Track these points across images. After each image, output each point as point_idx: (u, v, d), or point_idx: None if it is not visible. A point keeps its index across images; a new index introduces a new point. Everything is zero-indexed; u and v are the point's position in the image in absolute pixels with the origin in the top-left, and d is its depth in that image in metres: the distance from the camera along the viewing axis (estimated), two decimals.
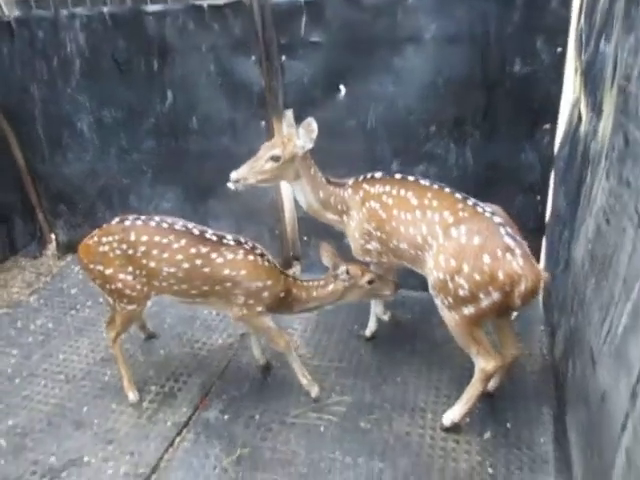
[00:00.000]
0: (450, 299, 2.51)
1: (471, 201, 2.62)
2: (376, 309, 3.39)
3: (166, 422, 3.00)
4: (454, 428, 2.79)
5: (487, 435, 2.78)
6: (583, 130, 2.81)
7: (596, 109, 2.54)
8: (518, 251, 2.39)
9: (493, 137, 3.35)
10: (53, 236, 4.86)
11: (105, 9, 3.69)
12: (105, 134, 4.15)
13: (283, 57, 3.48)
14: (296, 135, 2.79)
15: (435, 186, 2.73)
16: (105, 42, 3.79)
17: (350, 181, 2.97)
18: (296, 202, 3.23)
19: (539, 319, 3.56)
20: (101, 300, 3.97)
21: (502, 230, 2.44)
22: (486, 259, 2.38)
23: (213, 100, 3.78)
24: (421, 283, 2.78)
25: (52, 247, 4.88)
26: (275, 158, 2.77)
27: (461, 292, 2.45)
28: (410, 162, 3.52)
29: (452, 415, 2.78)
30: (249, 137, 3.69)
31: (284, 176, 2.88)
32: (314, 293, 2.92)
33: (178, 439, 2.90)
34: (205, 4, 3.47)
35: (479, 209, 2.56)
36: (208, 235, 2.78)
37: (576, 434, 2.35)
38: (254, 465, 2.72)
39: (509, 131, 3.30)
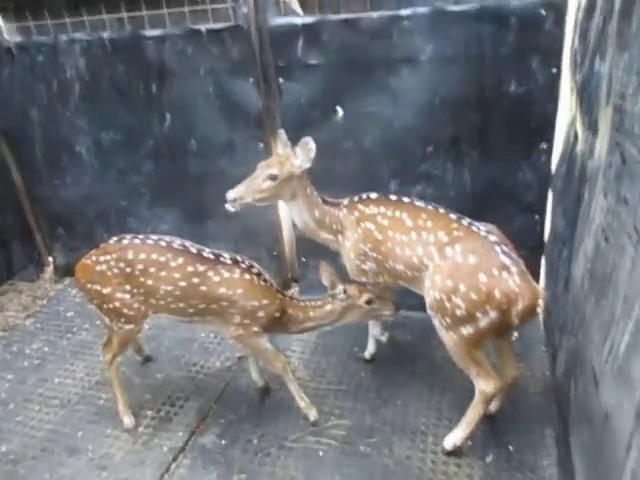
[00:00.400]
0: (448, 319, 2.48)
1: (466, 220, 2.62)
2: (373, 330, 3.36)
3: (162, 447, 2.94)
4: (456, 452, 2.73)
5: (489, 459, 2.72)
6: (580, 149, 2.81)
7: (592, 128, 2.54)
8: (514, 269, 2.37)
9: (490, 157, 3.36)
10: (51, 259, 4.84)
11: (105, 34, 3.74)
12: (104, 157, 4.17)
13: (280, 79, 3.51)
14: (293, 154, 2.80)
15: (430, 207, 2.74)
16: (104, 67, 3.83)
17: (345, 201, 2.98)
18: (294, 223, 3.22)
19: (540, 340, 3.52)
20: (98, 323, 3.94)
21: (498, 248, 2.44)
22: (482, 278, 2.37)
23: (211, 122, 3.80)
24: (421, 303, 2.74)
25: (49, 270, 4.85)
26: (272, 177, 2.77)
27: (458, 312, 2.42)
28: (408, 182, 3.53)
29: (454, 438, 2.72)
30: (247, 158, 3.66)
31: (281, 195, 2.88)
32: (311, 313, 2.89)
33: (174, 465, 2.84)
34: (204, 28, 3.52)
35: (474, 228, 2.56)
36: (205, 254, 2.77)
37: (580, 456, 2.30)
38: None
39: (506, 150, 3.31)
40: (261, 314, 2.78)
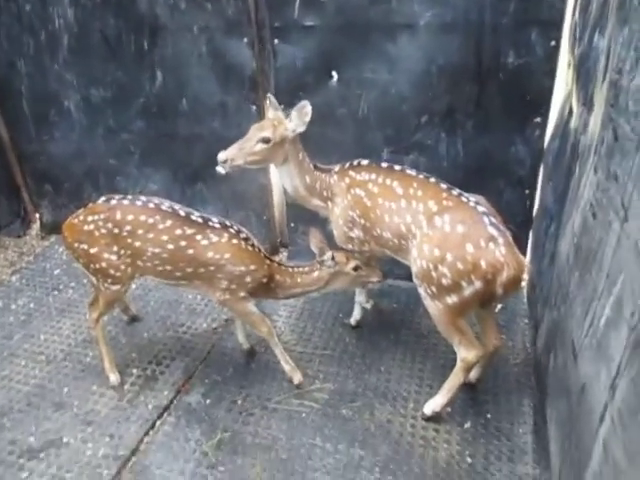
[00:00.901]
0: (433, 288, 2.51)
1: (455, 191, 2.63)
2: (359, 297, 3.39)
3: (147, 405, 2.98)
4: (435, 417, 2.80)
5: (467, 425, 2.80)
6: (573, 124, 2.80)
7: (587, 103, 2.53)
8: (501, 240, 2.40)
9: (484, 129, 3.33)
10: (37, 216, 4.79)
11: None
12: (92, 113, 4.08)
13: (276, 40, 3.43)
14: (287, 118, 2.77)
15: (421, 176, 2.74)
16: (94, 19, 3.71)
17: (336, 167, 2.96)
18: (284, 189, 3.20)
19: (523, 312, 3.58)
20: (84, 281, 3.93)
21: (486, 219, 2.45)
22: (469, 248, 2.39)
23: (204, 82, 3.73)
24: (407, 273, 2.77)
25: (36, 227, 4.80)
26: (265, 140, 2.74)
27: (444, 281, 2.45)
28: (401, 151, 3.51)
29: (433, 404, 2.79)
30: (240, 121, 3.63)
31: (272, 159, 2.85)
32: (299, 279, 2.91)
33: (159, 422, 2.89)
34: None
35: (463, 199, 2.57)
36: (194, 217, 2.75)
37: (555, 426, 2.37)
38: (234, 449, 2.71)
39: (500, 123, 3.29)
40: (248, 279, 2.79)
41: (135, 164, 4.21)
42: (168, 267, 2.76)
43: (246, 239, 2.80)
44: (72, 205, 4.30)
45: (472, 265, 2.38)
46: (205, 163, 3.57)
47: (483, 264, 2.37)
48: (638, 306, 1.47)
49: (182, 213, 2.75)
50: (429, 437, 2.74)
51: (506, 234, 2.45)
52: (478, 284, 2.40)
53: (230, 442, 2.75)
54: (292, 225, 4.09)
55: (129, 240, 2.71)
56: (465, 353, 2.62)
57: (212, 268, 2.74)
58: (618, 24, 2.10)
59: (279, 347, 3.01)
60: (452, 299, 2.48)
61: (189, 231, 2.70)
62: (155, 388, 3.09)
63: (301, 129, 2.77)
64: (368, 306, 3.41)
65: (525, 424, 2.79)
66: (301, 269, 2.93)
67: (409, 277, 2.69)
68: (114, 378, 3.10)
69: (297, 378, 3.05)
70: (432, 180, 2.70)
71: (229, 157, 2.73)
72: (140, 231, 2.70)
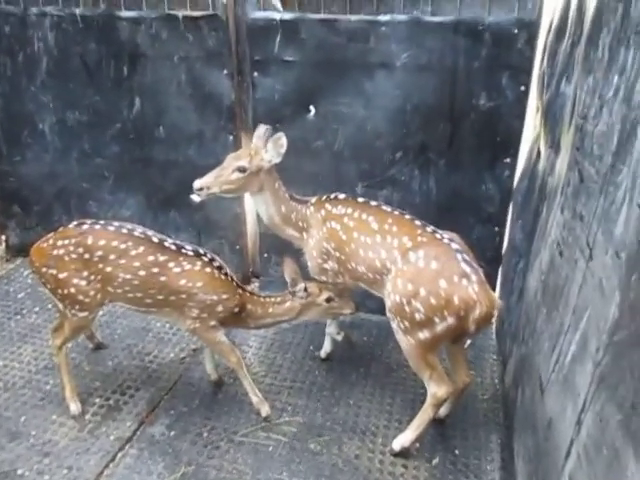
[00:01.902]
0: (406, 323, 2.52)
1: (430, 228, 2.68)
2: (329, 329, 3.37)
3: (109, 436, 2.88)
4: (404, 453, 2.77)
5: (435, 461, 2.78)
6: (541, 165, 2.91)
7: (554, 146, 2.64)
8: (474, 277, 2.44)
9: (456, 167, 3.42)
10: (3, 237, 4.66)
11: (77, 10, 3.64)
12: (67, 136, 4.05)
13: (255, 73, 3.49)
14: (264, 148, 2.80)
15: (396, 212, 2.80)
16: (75, 44, 3.74)
17: (313, 199, 2.99)
18: (259, 218, 3.21)
19: (492, 348, 3.61)
20: (49, 306, 3.82)
21: (459, 256, 2.50)
22: (442, 284, 2.42)
23: (182, 110, 3.75)
24: (379, 306, 2.79)
25: (1, 249, 4.67)
26: (241, 169, 2.76)
27: (417, 316, 2.47)
28: (375, 186, 3.57)
29: (402, 440, 2.76)
30: (216, 150, 3.66)
31: (248, 188, 2.87)
32: (270, 309, 2.89)
33: (120, 454, 2.79)
34: (180, 14, 3.48)
35: (437, 235, 2.62)
36: (167, 244, 2.73)
37: (522, 461, 2.37)
38: None
39: (472, 162, 3.39)
40: (220, 308, 2.77)
41: (108, 189, 4.17)
42: (139, 294, 2.72)
43: (219, 268, 2.78)
44: (40, 227, 4.22)
45: (445, 301, 2.41)
46: (179, 190, 3.56)
47: (456, 300, 2.40)
48: (603, 342, 1.51)
49: (155, 239, 2.72)
50: (397, 473, 2.71)
51: (479, 272, 2.50)
52: (450, 320, 2.43)
53: (194, 476, 2.67)
54: (265, 255, 4.08)
55: (100, 265, 2.66)
56: (435, 389, 2.62)
57: (184, 296, 2.71)
58: (583, 73, 2.21)
59: (247, 378, 2.97)
60: (424, 334, 2.50)
61: (162, 258, 2.67)
62: (118, 418, 2.99)
63: (277, 160, 2.80)
64: (339, 338, 3.39)
65: (493, 461, 2.79)
66: (273, 299, 2.91)
67: (380, 310, 2.71)
68: (75, 407, 2.99)
69: (265, 410, 2.99)
70: (407, 217, 2.75)
71: (205, 185, 2.74)
72: (112, 256, 2.66)
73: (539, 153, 3.00)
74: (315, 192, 3.04)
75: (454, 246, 2.56)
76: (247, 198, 3.80)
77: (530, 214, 2.97)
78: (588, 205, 1.89)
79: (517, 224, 3.37)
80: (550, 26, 3.07)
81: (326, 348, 3.47)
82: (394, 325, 2.62)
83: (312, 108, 3.49)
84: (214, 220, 4.02)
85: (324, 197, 2.97)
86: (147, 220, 4.02)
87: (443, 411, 2.90)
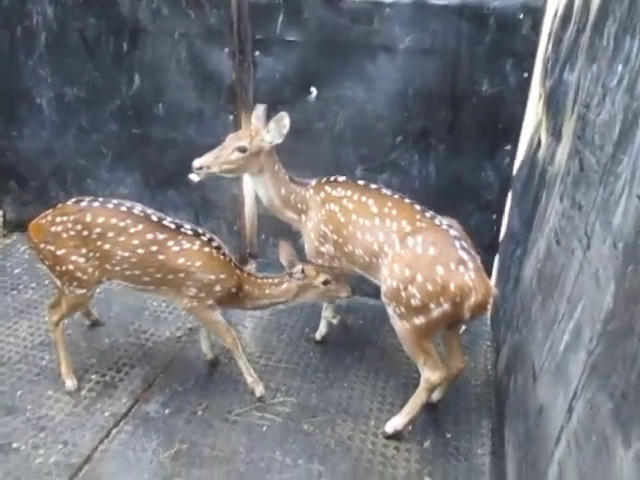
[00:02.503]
0: (402, 308, 2.53)
1: (429, 213, 2.67)
2: (325, 312, 3.39)
3: (104, 412, 2.90)
4: (396, 436, 2.81)
5: (427, 444, 2.81)
6: (542, 154, 2.90)
7: (556, 134, 2.63)
8: (471, 264, 2.44)
9: (456, 153, 3.41)
10: (0, 213, 4.65)
11: None
12: (65, 112, 4.01)
13: (257, 52, 3.45)
14: (264, 129, 2.78)
15: (396, 196, 2.78)
16: (74, 18, 3.68)
17: (313, 182, 2.98)
18: (257, 199, 3.20)
19: (486, 335, 3.64)
20: (46, 282, 3.83)
21: (457, 243, 2.50)
22: (439, 270, 2.43)
23: (181, 88, 3.71)
24: (374, 290, 2.80)
25: None
26: (241, 149, 2.74)
27: (413, 301, 2.48)
28: (375, 169, 3.55)
29: (395, 423, 2.80)
30: (215, 129, 3.63)
31: (248, 168, 2.86)
32: (267, 290, 2.90)
33: (115, 430, 2.81)
34: None
35: (436, 221, 2.62)
36: (166, 222, 2.73)
37: (513, 447, 2.41)
38: (192, 461, 2.66)
39: (472, 148, 3.37)
40: (217, 288, 2.78)
41: (106, 166, 4.14)
42: (137, 272, 2.72)
43: (218, 248, 2.79)
44: (37, 203, 4.19)
45: (441, 287, 2.41)
46: (178, 169, 3.55)
47: (452, 287, 2.41)
48: (596, 331, 1.52)
49: (154, 218, 2.72)
50: (389, 455, 2.75)
51: (476, 259, 2.50)
52: (446, 306, 2.44)
53: (188, 454, 2.70)
54: (263, 237, 4.08)
55: (98, 243, 2.66)
56: (429, 374, 2.65)
57: (182, 275, 2.71)
58: (587, 61, 2.19)
59: (243, 358, 2.99)
60: (420, 320, 2.51)
61: (161, 236, 2.67)
62: (113, 395, 3.02)
63: (278, 141, 2.78)
64: (335, 321, 3.42)
65: (483, 445, 2.82)
66: (270, 280, 2.92)
67: (376, 294, 2.71)
68: (71, 383, 3.01)
69: (259, 391, 3.02)
70: (407, 201, 2.74)
71: (204, 164, 2.72)
72: (110, 234, 2.65)
73: (540, 141, 2.98)
74: (314, 174, 3.03)
75: (452, 232, 2.56)
76: (246, 179, 3.79)
77: (529, 202, 2.97)
78: (587, 194, 1.89)
79: (515, 212, 3.37)
80: (555, 12, 3.04)
81: (321, 330, 3.49)
82: (390, 310, 2.64)
83: (313, 90, 3.45)
84: (212, 200, 4.01)
85: (324, 179, 2.96)
86: (145, 199, 3.98)
87: (436, 395, 2.93)
